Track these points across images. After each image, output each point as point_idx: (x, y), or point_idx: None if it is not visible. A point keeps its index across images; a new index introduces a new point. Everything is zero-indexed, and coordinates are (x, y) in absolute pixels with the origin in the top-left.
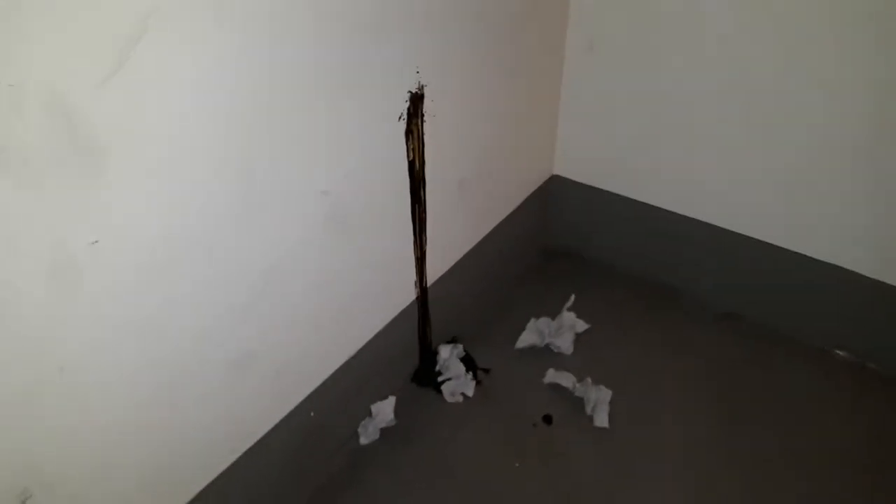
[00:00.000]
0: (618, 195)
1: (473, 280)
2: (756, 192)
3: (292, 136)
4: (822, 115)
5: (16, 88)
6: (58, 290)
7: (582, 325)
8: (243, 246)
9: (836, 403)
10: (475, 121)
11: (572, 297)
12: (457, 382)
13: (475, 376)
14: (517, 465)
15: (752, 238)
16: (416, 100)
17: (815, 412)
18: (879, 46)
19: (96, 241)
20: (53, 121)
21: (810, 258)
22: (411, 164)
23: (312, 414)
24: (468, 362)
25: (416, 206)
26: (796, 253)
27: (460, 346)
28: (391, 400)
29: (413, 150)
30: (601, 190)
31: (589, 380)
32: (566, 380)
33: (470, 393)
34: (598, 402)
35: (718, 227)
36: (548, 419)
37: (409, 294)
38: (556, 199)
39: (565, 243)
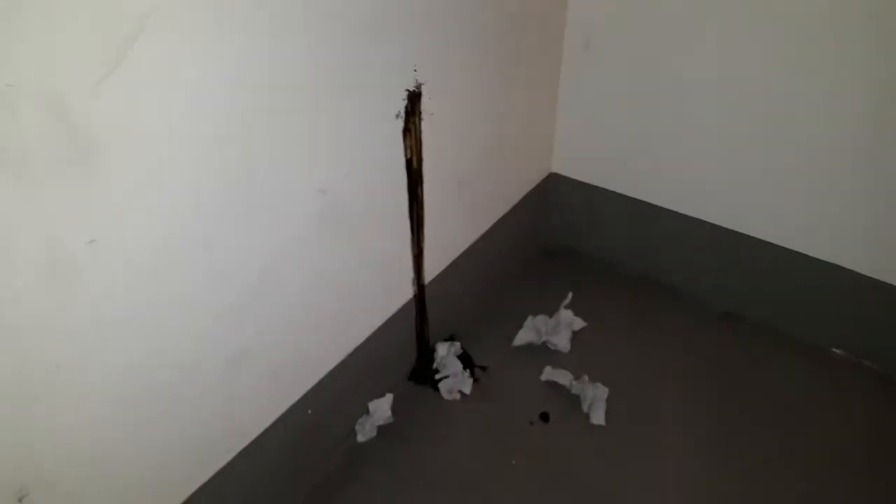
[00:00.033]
0: (616, 193)
1: (471, 278)
2: (755, 190)
3: (289, 134)
4: (822, 115)
5: (13, 88)
6: (54, 289)
7: (579, 323)
8: (239, 245)
9: (834, 402)
10: (473, 119)
11: (570, 295)
12: (454, 380)
13: (472, 374)
14: (514, 462)
15: (750, 237)
16: (414, 98)
17: (812, 411)
18: (879, 46)
19: (93, 241)
20: (51, 120)
21: (809, 257)
22: (409, 163)
23: (310, 412)
24: (465, 360)
25: (414, 204)
26: (795, 252)
27: (458, 344)
28: (388, 398)
29: (410, 148)
30: (599, 188)
31: (586, 377)
32: (563, 377)
33: (467, 391)
34: (595, 399)
35: (717, 226)
36: (544, 417)
37: (407, 292)
38: (554, 197)
39: (563, 241)
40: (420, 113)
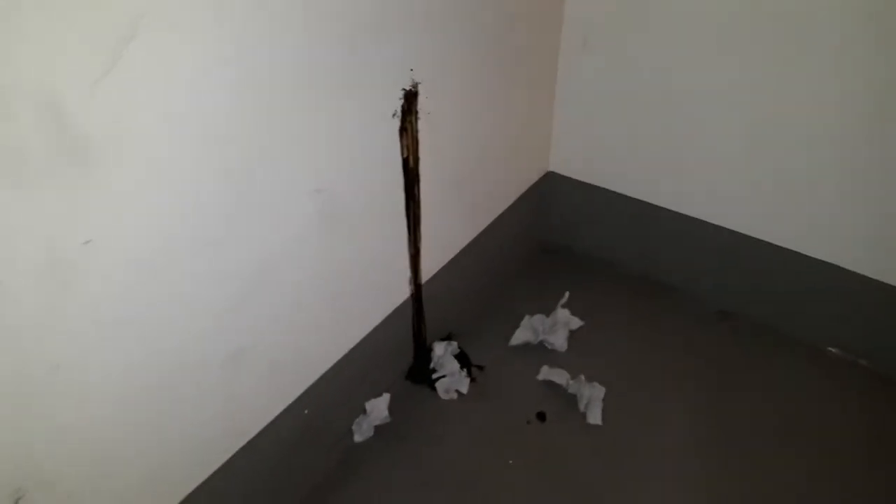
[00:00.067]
0: (613, 192)
1: (468, 277)
2: (753, 190)
3: (286, 134)
4: (821, 114)
5: (8, 89)
6: (51, 290)
7: (576, 323)
8: (236, 245)
9: (830, 401)
10: (470, 118)
11: (566, 295)
12: (451, 379)
13: (469, 373)
14: (511, 462)
15: (748, 236)
16: (410, 97)
17: (809, 410)
18: (879, 46)
19: (89, 241)
20: (46, 121)
21: (807, 257)
22: (405, 162)
23: (307, 412)
24: (462, 359)
25: (411, 203)
26: (793, 251)
27: (455, 343)
28: (385, 397)
29: (407, 147)
30: (597, 187)
31: (582, 377)
32: (560, 377)
33: (464, 390)
34: (592, 399)
35: (715, 226)
36: (541, 416)
37: (404, 291)
38: (551, 195)
39: (560, 240)
40: (416, 112)
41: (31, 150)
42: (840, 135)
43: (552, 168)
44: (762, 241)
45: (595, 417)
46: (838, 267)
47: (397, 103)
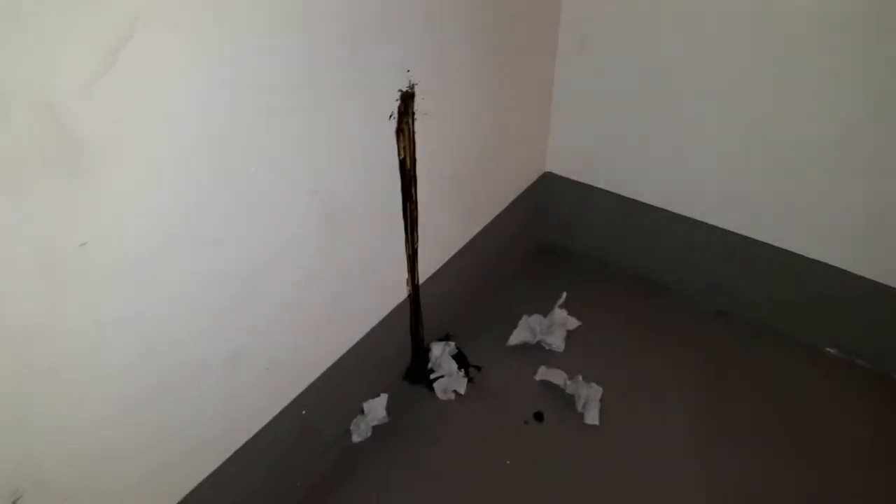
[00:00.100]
0: (611, 192)
1: (466, 277)
2: (750, 191)
3: (283, 135)
4: (818, 114)
5: (5, 90)
6: (46, 292)
7: (574, 323)
8: (236, 245)
9: (828, 401)
10: (467, 118)
11: (564, 295)
12: (449, 380)
13: (467, 374)
14: (508, 462)
15: (744, 236)
16: (407, 99)
17: (806, 409)
18: (879, 46)
19: (85, 244)
20: (42, 123)
21: (803, 257)
22: (402, 163)
23: (304, 412)
24: (460, 360)
25: (408, 203)
26: (789, 251)
27: (452, 344)
28: (383, 398)
29: (404, 148)
30: (594, 187)
31: (580, 377)
32: (557, 377)
33: (462, 390)
34: (589, 399)
35: (712, 226)
36: (539, 416)
37: (401, 292)
38: (548, 196)
39: (558, 241)
40: (413, 113)
41: (26, 152)
42: (837, 135)
43: (549, 168)
44: (760, 241)
45: (592, 417)
46: (836, 268)
47: (394, 105)
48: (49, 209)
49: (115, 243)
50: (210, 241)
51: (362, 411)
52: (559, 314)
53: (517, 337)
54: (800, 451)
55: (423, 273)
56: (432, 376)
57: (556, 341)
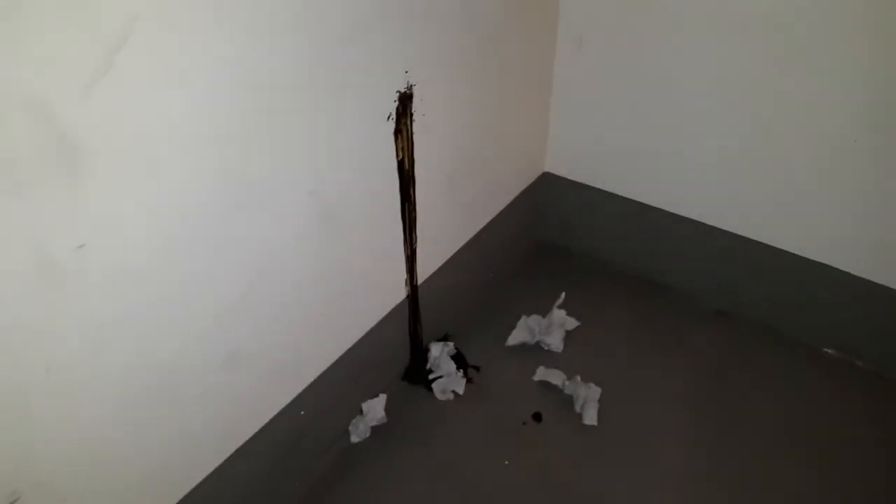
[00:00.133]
0: (609, 193)
1: (464, 278)
2: (749, 191)
3: (281, 136)
4: (818, 116)
5: (2, 91)
6: (43, 294)
7: (572, 323)
8: (233, 246)
9: (828, 401)
10: (465, 120)
11: (562, 295)
12: (447, 380)
13: (466, 374)
14: (507, 462)
15: (743, 237)
16: (405, 100)
17: (807, 410)
18: (879, 46)
19: (82, 246)
20: (41, 123)
21: (802, 258)
22: (400, 164)
23: (303, 413)
24: (459, 360)
25: (406, 204)
26: (788, 252)
27: (451, 344)
28: (382, 398)
29: (402, 149)
30: (593, 188)
31: (578, 377)
32: (556, 377)
33: (461, 391)
34: (588, 399)
35: (711, 226)
36: (537, 417)
37: (400, 292)
38: (547, 196)
39: (556, 241)
40: (411, 114)
41: (25, 153)
42: (837, 135)
43: (548, 169)
44: (759, 242)
45: (591, 418)
46: (836, 269)
47: (392, 106)
48: (48, 210)
49: (114, 243)
50: (210, 241)
51: (361, 412)
52: (558, 314)
53: (516, 337)
54: (800, 451)
55: (422, 273)
56: (431, 377)
57: (555, 342)
